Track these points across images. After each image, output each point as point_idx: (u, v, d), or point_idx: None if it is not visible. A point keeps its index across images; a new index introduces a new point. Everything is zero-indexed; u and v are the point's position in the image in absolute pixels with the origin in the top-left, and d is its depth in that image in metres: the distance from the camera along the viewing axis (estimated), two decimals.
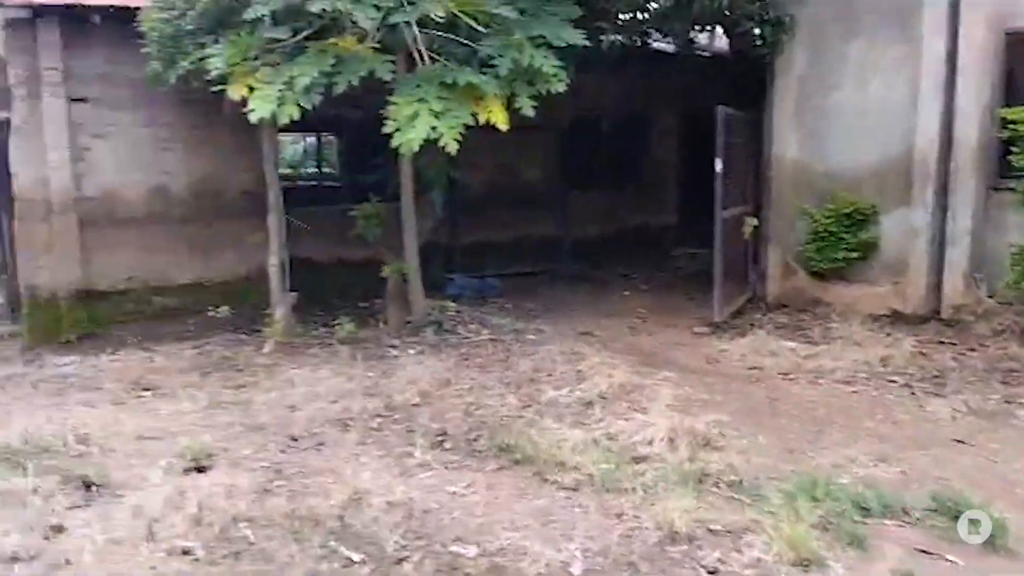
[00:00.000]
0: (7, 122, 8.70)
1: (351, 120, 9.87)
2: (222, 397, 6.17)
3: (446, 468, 4.67)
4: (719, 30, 10.75)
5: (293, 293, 8.01)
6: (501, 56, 6.61)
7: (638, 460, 4.64)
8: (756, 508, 4.04)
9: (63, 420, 5.62)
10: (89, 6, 7.99)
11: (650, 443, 4.83)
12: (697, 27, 9.74)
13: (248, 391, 6.32)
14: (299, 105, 6.21)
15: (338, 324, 8.05)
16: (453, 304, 8.52)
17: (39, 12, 7.91)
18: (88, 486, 4.39)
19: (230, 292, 9.16)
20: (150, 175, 8.80)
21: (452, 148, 6.23)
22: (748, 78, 9.64)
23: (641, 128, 12.89)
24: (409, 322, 8.03)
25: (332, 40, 6.49)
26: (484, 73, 6.58)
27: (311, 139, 18.29)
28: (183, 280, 9.02)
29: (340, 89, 6.24)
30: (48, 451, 4.93)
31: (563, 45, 6.83)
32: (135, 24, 7.60)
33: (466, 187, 10.36)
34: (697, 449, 4.78)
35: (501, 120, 6.54)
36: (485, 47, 6.70)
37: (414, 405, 5.78)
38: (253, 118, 6.26)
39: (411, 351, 7.31)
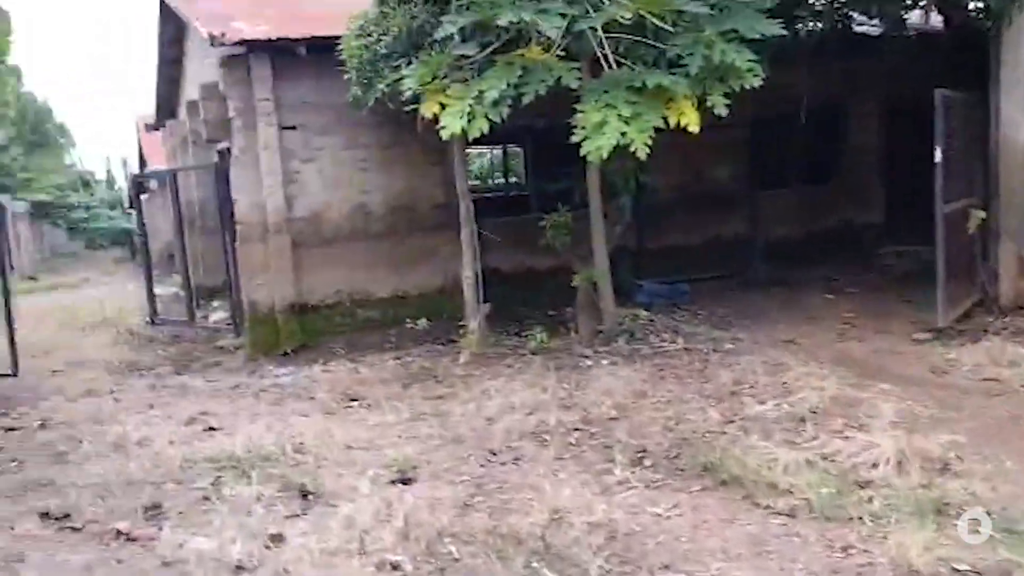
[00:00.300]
0: (228, 151, 9.53)
1: (537, 130, 9.95)
2: (422, 408, 6.35)
3: (647, 487, 4.48)
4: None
5: (486, 304, 8.13)
6: (691, 54, 6.33)
7: (862, 485, 4.21)
8: (1010, 546, 3.52)
9: (281, 429, 6.00)
10: (295, 39, 8.57)
11: (874, 466, 4.38)
12: (909, 2, 8.88)
13: (446, 402, 6.46)
14: (488, 118, 6.27)
15: (529, 334, 8.08)
16: (645, 312, 8.31)
17: (251, 47, 8.58)
18: (304, 495, 4.62)
19: (426, 304, 9.48)
20: (351, 195, 9.29)
21: (642, 153, 6.04)
22: (966, 55, 8.68)
23: (839, 118, 12.00)
24: (600, 331, 7.90)
25: (518, 52, 6.51)
26: (673, 73, 6.34)
27: (497, 151, 18.70)
28: (383, 294, 9.44)
29: (528, 100, 6.23)
30: (268, 459, 5.26)
31: (757, 37, 6.44)
32: (336, 53, 8.05)
33: (653, 191, 10.08)
34: (932, 474, 4.27)
35: (693, 121, 6.26)
36: (673, 46, 6.45)
37: (611, 419, 5.63)
38: (445, 134, 6.40)
39: (604, 361, 7.17)
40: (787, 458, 4.53)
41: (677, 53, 6.42)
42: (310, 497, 4.59)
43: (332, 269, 9.19)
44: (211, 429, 6.21)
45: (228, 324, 10.29)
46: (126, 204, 42.42)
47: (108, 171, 52.47)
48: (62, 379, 8.67)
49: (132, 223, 36.30)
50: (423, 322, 8.86)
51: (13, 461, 5.67)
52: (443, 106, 6.57)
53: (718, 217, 11.30)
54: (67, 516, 4.47)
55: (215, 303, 12.31)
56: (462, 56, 6.86)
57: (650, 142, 6.08)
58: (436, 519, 4.10)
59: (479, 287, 8.18)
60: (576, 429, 5.47)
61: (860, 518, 3.84)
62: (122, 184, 51.35)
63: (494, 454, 5.16)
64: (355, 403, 6.75)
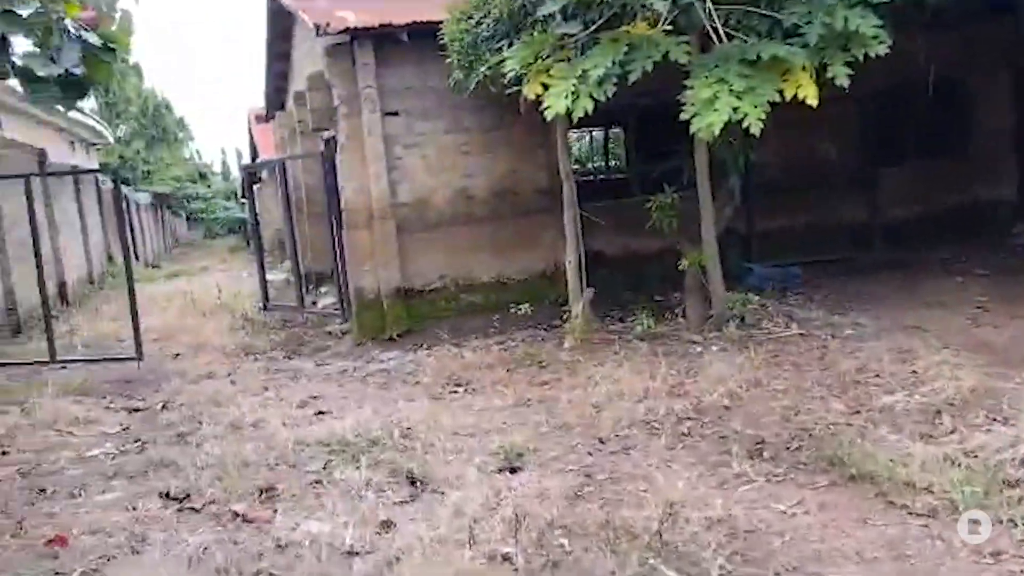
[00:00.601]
0: (334, 139, 9.68)
1: (640, 109, 9.68)
2: (528, 394, 6.26)
3: (768, 481, 4.25)
4: None
5: (590, 289, 7.95)
6: (809, 23, 5.94)
7: (1011, 484, 3.83)
8: None
9: (388, 414, 6.04)
10: (398, 25, 8.60)
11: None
12: None
13: (552, 388, 6.35)
14: (592, 97, 6.07)
15: (635, 319, 7.89)
16: (756, 296, 7.96)
17: (355, 35, 8.66)
18: (413, 481, 4.60)
19: (528, 289, 9.41)
20: (454, 179, 9.29)
21: (756, 129, 5.71)
22: None
23: (965, 87, 11.16)
24: (709, 316, 7.62)
25: (624, 28, 6.28)
26: (790, 44, 5.97)
27: (597, 133, 18.43)
28: (486, 278, 9.42)
29: (634, 77, 5.99)
30: (377, 444, 5.28)
31: (884, 1, 5.98)
32: (438, 38, 8.03)
33: (762, 169, 9.66)
34: None
35: (811, 94, 5.86)
36: (790, 15, 6.08)
37: (724, 407, 5.39)
38: (548, 114, 6.24)
39: (714, 347, 6.91)
40: (923, 453, 4.20)
41: (794, 22, 6.05)
42: (418, 484, 4.57)
43: (436, 254, 9.23)
44: (321, 413, 6.31)
45: (336, 309, 10.50)
46: (240, 194, 44.37)
47: (223, 163, 54.99)
48: (183, 362, 9.04)
49: (246, 212, 37.94)
50: (526, 307, 8.74)
51: (136, 442, 5.92)
52: (546, 87, 6.43)
53: (832, 196, 10.74)
54: (187, 497, 4.60)
55: (323, 288, 12.62)
56: (565, 35, 6.69)
57: (764, 117, 5.76)
58: (546, 510, 4.00)
59: (582, 271, 8.01)
60: (688, 418, 5.27)
61: (1011, 520, 3.50)
62: (236, 175, 53.77)
63: (603, 443, 5.02)
64: (460, 388, 6.73)
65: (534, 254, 9.59)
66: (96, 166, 23.62)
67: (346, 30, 8.56)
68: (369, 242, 8.93)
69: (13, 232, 11.06)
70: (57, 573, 3.68)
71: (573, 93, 6.09)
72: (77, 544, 4.03)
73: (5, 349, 9.70)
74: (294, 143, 14.54)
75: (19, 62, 3.82)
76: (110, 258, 19.91)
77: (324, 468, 4.96)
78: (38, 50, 3.86)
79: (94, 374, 8.27)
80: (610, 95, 6.06)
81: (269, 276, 17.69)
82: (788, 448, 4.64)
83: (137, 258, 24.68)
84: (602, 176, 16.49)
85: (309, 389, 7.27)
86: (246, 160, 42.15)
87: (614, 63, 5.96)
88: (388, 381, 7.32)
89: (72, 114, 21.05)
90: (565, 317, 8.27)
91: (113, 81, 4.81)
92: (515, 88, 6.94)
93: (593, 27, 6.55)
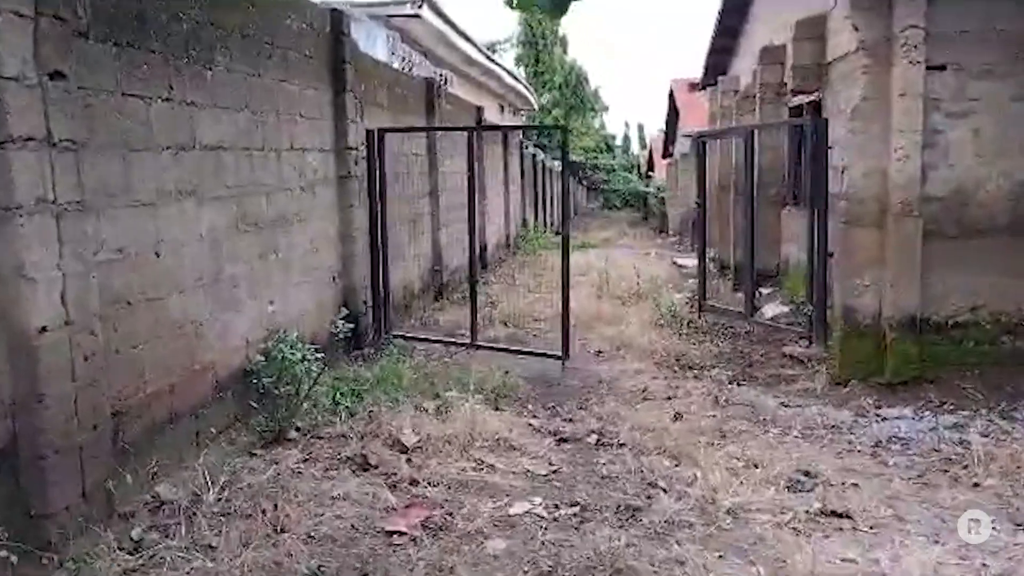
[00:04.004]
0: (811, 105, 7.27)
1: None
2: None
3: None
4: None
5: None
6: None
7: None
8: None
9: (959, 549, 3.60)
10: None
11: None
12: None
13: None
14: None
15: None
16: None
17: None
18: None
19: None
20: (1019, 168, 6.32)
21: None
22: None
23: None
24: None
25: None
26: None
27: None
28: None
29: None
30: None
31: None
32: None
33: None
34: None
35: None
36: None
37: None
38: None
39: None
40: None
41: None
42: None
43: (972, 274, 6.36)
44: (838, 515, 4.05)
45: (795, 325, 8.14)
46: (643, 169, 43.94)
47: (626, 135, 55.26)
48: (608, 365, 7.48)
49: (645, 187, 37.13)
50: None
51: (574, 506, 4.20)
52: None
53: None
54: None
55: (763, 290, 10.33)
56: None
57: None
58: None
59: None
60: None
61: None
62: (635, 149, 53.64)
63: None
64: None
65: None
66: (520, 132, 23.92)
67: None
68: (877, 246, 6.36)
69: (446, 193, 10.54)
70: None
71: None
72: None
73: (427, 317, 9.04)
74: (740, 112, 12.34)
75: None
76: (524, 222, 19.76)
77: None
78: None
79: (514, 367, 6.99)
80: None
81: (682, 261, 15.92)
82: None
83: (547, 225, 24.69)
84: None
85: (789, 451, 5.08)
86: (651, 133, 41.21)
87: None
88: (916, 465, 4.81)
89: (507, 79, 21.34)
90: None
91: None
92: None
93: None
